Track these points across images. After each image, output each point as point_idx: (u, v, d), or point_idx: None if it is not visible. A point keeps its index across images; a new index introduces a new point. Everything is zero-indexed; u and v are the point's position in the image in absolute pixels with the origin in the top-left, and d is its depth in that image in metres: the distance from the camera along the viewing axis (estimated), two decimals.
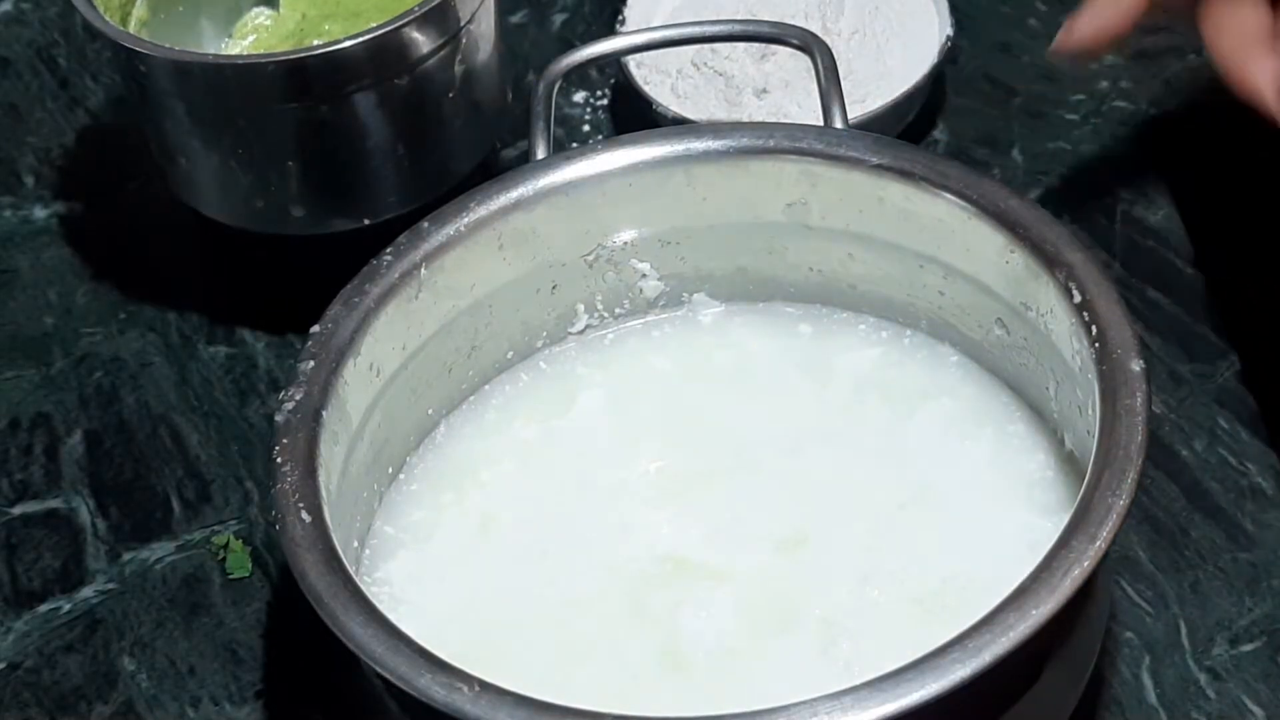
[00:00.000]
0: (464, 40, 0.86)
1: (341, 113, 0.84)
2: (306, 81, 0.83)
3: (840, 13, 0.95)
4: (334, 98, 0.84)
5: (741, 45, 0.93)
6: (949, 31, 0.94)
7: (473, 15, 0.86)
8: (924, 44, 0.94)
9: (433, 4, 0.83)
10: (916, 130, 0.96)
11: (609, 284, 0.81)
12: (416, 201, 0.88)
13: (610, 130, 0.98)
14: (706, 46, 0.94)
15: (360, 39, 0.82)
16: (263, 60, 0.83)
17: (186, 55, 0.85)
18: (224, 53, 0.95)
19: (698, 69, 0.94)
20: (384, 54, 0.83)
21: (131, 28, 0.90)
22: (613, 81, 1.00)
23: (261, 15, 0.96)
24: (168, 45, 0.87)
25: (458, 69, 0.87)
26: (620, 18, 0.97)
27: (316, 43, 0.91)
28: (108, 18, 0.86)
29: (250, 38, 0.96)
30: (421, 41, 0.84)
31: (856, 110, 0.88)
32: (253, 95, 0.83)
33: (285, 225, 0.88)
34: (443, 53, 0.85)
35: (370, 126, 0.85)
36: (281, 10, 0.96)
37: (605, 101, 1.00)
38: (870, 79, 0.93)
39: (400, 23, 0.83)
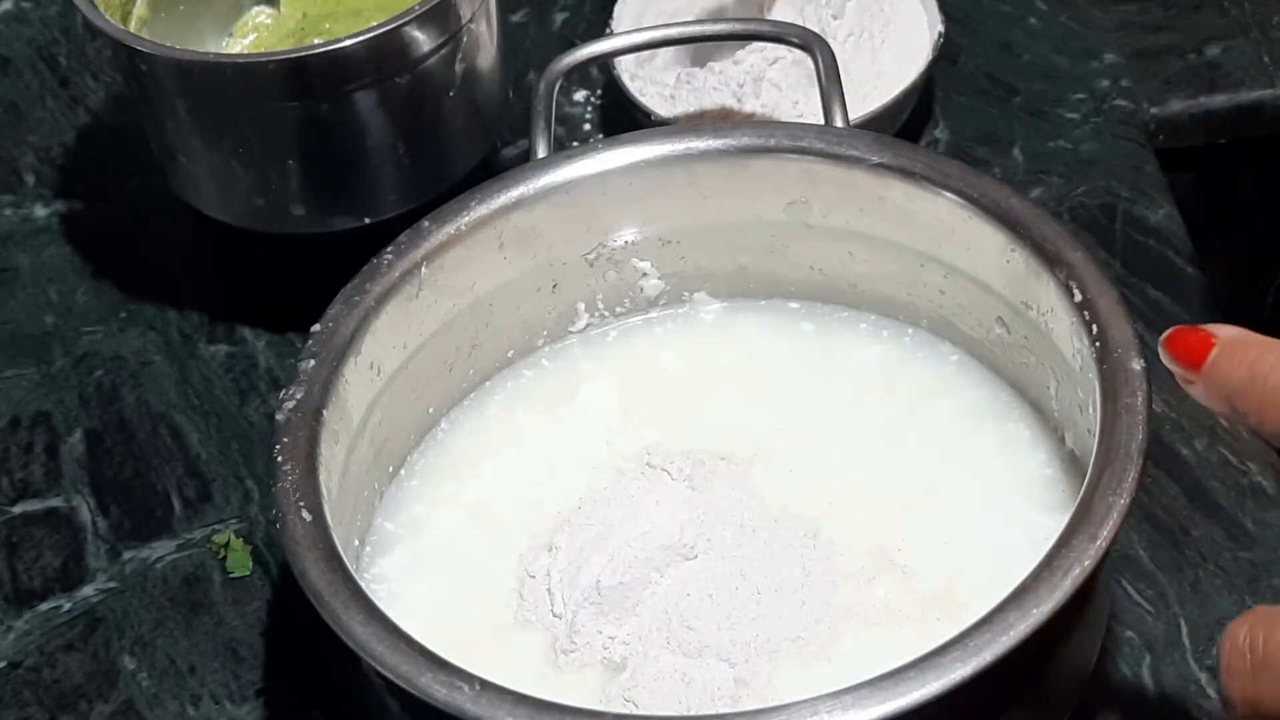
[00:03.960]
0: (464, 39, 0.86)
1: (342, 111, 0.84)
2: (307, 80, 0.83)
3: (838, 16, 0.95)
4: (335, 96, 0.84)
5: (730, 59, 0.93)
6: (940, 28, 0.94)
7: (473, 14, 0.86)
8: (916, 42, 0.95)
9: (433, 3, 0.83)
10: (916, 129, 0.96)
11: (610, 283, 0.81)
12: (417, 200, 0.88)
13: (611, 129, 0.98)
14: (701, 60, 0.94)
15: (361, 38, 0.82)
16: (263, 59, 0.83)
17: (188, 54, 0.85)
18: (225, 51, 0.95)
19: (689, 80, 0.94)
20: (385, 53, 0.83)
21: (132, 26, 0.90)
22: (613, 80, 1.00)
23: (262, 14, 0.96)
24: (168, 44, 0.87)
25: (458, 68, 0.87)
26: (608, 29, 0.97)
27: (317, 41, 0.91)
28: (108, 16, 0.86)
29: (251, 36, 0.96)
30: (422, 40, 0.84)
31: (855, 111, 0.88)
32: (253, 94, 0.83)
33: (286, 224, 0.88)
34: (443, 52, 0.85)
35: (371, 125, 0.85)
36: (282, 9, 0.96)
37: (606, 100, 1.00)
38: (866, 80, 0.93)
39: (401, 21, 0.83)
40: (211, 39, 0.96)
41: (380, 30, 0.82)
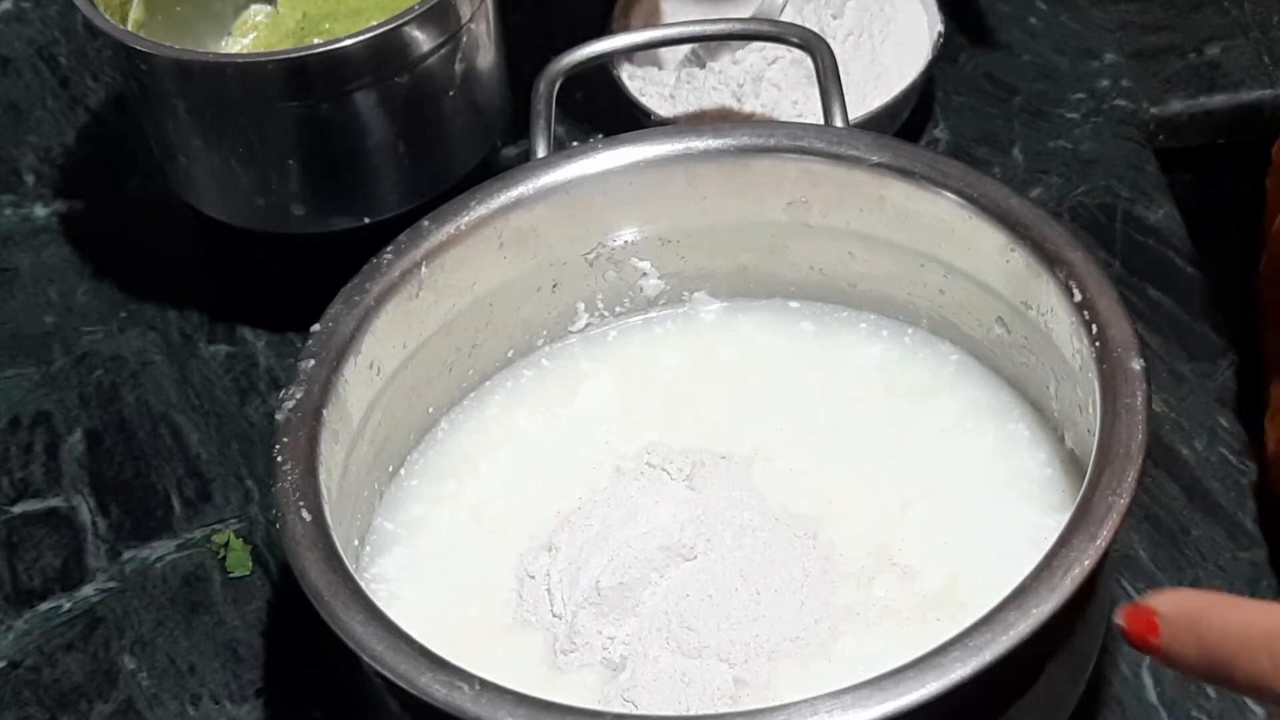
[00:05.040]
0: (464, 39, 0.86)
1: (342, 111, 0.84)
2: (307, 80, 0.83)
3: (837, 15, 0.95)
4: (335, 96, 0.84)
5: (730, 59, 0.93)
6: (940, 28, 0.94)
7: (473, 14, 0.86)
8: (917, 42, 0.95)
9: (433, 3, 0.83)
10: (916, 129, 0.96)
11: (609, 282, 0.81)
12: (416, 200, 0.88)
13: (611, 129, 0.98)
14: (702, 60, 0.94)
15: (361, 37, 0.82)
16: (263, 59, 0.83)
17: (188, 54, 0.85)
18: (224, 51, 0.95)
19: (689, 80, 0.94)
20: (385, 52, 0.83)
21: (128, 27, 0.89)
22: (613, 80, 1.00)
23: (260, 13, 0.96)
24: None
25: (458, 67, 0.87)
26: (608, 29, 0.97)
27: (317, 41, 0.91)
28: (108, 16, 0.86)
29: (251, 35, 0.96)
30: (422, 40, 0.84)
31: (855, 111, 0.88)
32: (254, 93, 0.83)
33: (285, 224, 0.88)
34: (443, 51, 0.85)
35: (370, 125, 0.85)
36: (282, 9, 0.95)
37: (606, 100, 1.00)
38: (866, 80, 0.93)
39: (401, 21, 0.83)
40: (209, 41, 0.95)
41: (380, 30, 0.82)
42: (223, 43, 0.96)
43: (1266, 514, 0.78)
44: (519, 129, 0.96)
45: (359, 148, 0.86)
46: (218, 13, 0.96)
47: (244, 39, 0.96)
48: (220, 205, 0.90)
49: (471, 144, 0.90)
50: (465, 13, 0.86)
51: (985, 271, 0.75)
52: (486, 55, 0.89)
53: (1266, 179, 0.84)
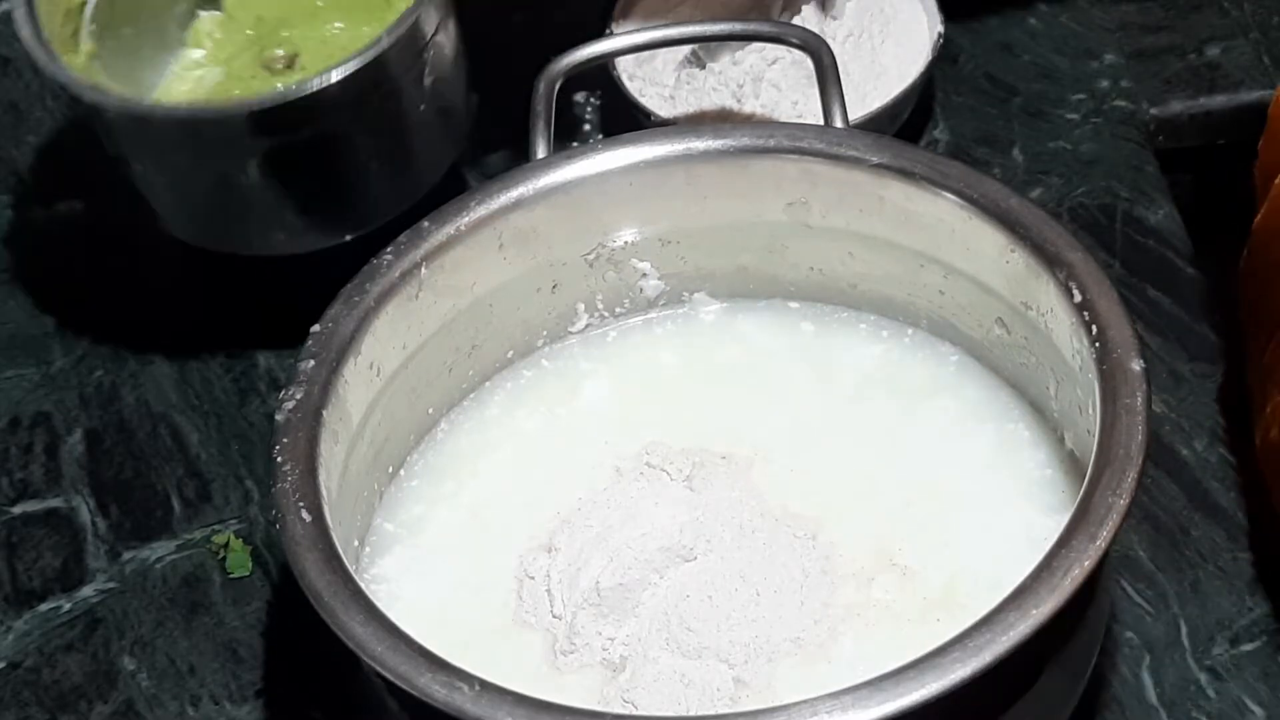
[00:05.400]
0: (431, 53, 0.85)
1: (315, 141, 0.83)
2: (278, 120, 0.81)
3: (837, 16, 0.95)
4: (307, 128, 0.83)
5: (730, 59, 0.93)
6: (939, 29, 0.94)
7: (437, 27, 0.85)
8: (916, 42, 0.95)
9: (405, 27, 0.82)
10: (916, 129, 0.96)
11: (609, 283, 0.81)
12: (393, 213, 0.87)
13: (611, 129, 0.98)
14: (701, 60, 0.94)
15: (337, 75, 0.81)
16: (234, 110, 0.82)
17: (158, 110, 0.84)
18: (181, 65, 0.92)
19: (689, 81, 0.94)
20: (361, 84, 0.82)
21: (80, 59, 0.87)
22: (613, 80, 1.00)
23: (210, 21, 0.93)
24: (121, 67, 0.85)
25: (426, 81, 0.86)
26: (608, 29, 0.97)
27: (279, 53, 0.90)
28: (64, 63, 0.83)
29: (207, 46, 0.93)
30: (393, 64, 0.83)
31: (855, 111, 0.88)
32: (226, 138, 0.82)
33: (265, 247, 0.88)
34: (412, 70, 0.85)
35: (344, 151, 0.84)
36: (233, 14, 0.93)
37: (606, 100, 1.00)
38: (866, 80, 0.93)
39: (374, 53, 0.81)
40: (163, 56, 0.93)
41: (353, 66, 0.81)
42: (177, 56, 0.93)
43: (1254, 509, 0.78)
44: (496, 132, 0.95)
45: (334, 172, 0.85)
46: (165, 27, 0.93)
47: (197, 51, 0.93)
48: (197, 235, 0.89)
49: (442, 152, 0.89)
50: (429, 27, 0.84)
51: (985, 272, 0.75)
52: (451, 63, 0.88)
53: (1254, 173, 0.85)
